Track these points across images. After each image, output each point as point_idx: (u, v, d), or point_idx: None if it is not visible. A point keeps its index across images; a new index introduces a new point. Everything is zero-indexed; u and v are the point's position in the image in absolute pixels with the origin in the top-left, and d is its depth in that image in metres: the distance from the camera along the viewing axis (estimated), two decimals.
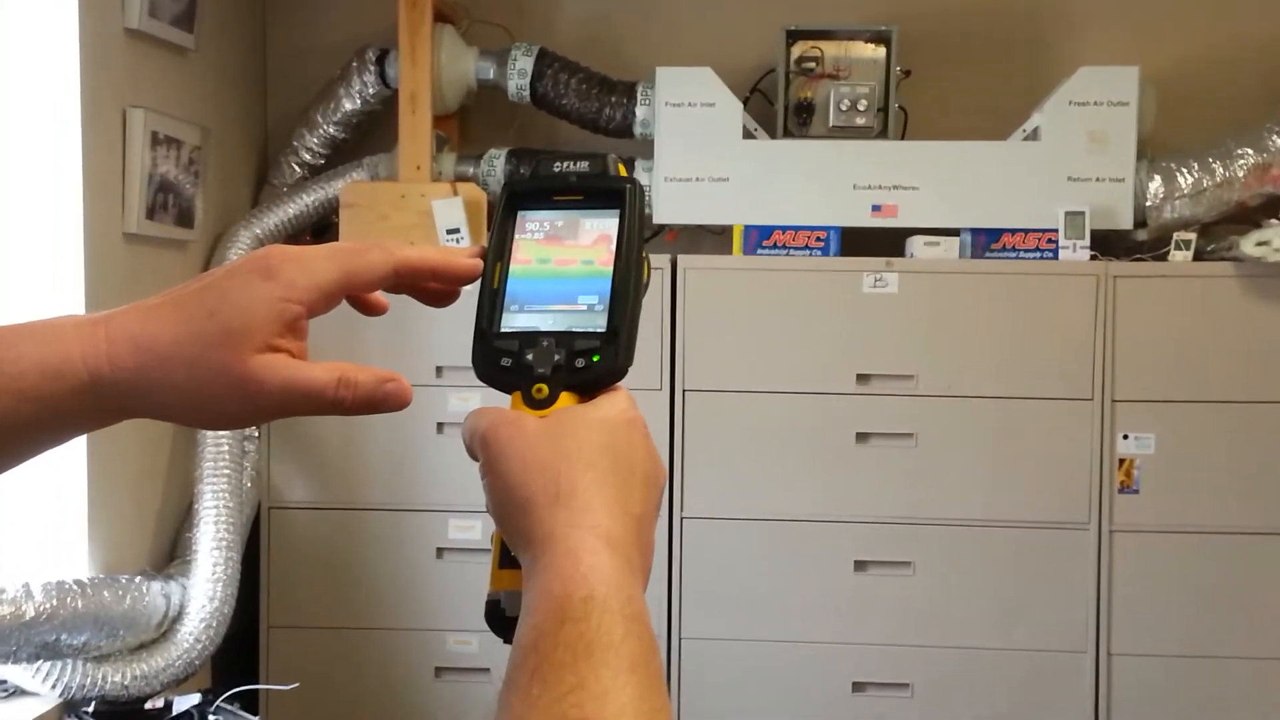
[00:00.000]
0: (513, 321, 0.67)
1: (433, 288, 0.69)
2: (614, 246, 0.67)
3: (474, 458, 0.64)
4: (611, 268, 0.67)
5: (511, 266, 0.69)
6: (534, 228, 0.70)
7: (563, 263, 0.68)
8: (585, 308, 0.66)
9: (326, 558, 2.92)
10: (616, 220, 0.68)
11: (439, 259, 0.67)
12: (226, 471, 2.76)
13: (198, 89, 2.91)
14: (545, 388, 0.64)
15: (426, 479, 2.88)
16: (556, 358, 0.65)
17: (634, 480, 0.62)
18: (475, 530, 2.85)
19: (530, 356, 0.65)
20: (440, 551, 2.89)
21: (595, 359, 0.65)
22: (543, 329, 0.66)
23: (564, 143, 3.24)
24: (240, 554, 2.78)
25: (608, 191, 0.69)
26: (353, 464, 2.91)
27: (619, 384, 0.66)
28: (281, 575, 2.93)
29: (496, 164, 3.04)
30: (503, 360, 0.66)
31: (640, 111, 2.99)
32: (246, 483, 2.87)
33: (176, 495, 2.85)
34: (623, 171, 0.70)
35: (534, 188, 0.70)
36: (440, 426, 2.85)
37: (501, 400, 0.66)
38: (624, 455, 0.62)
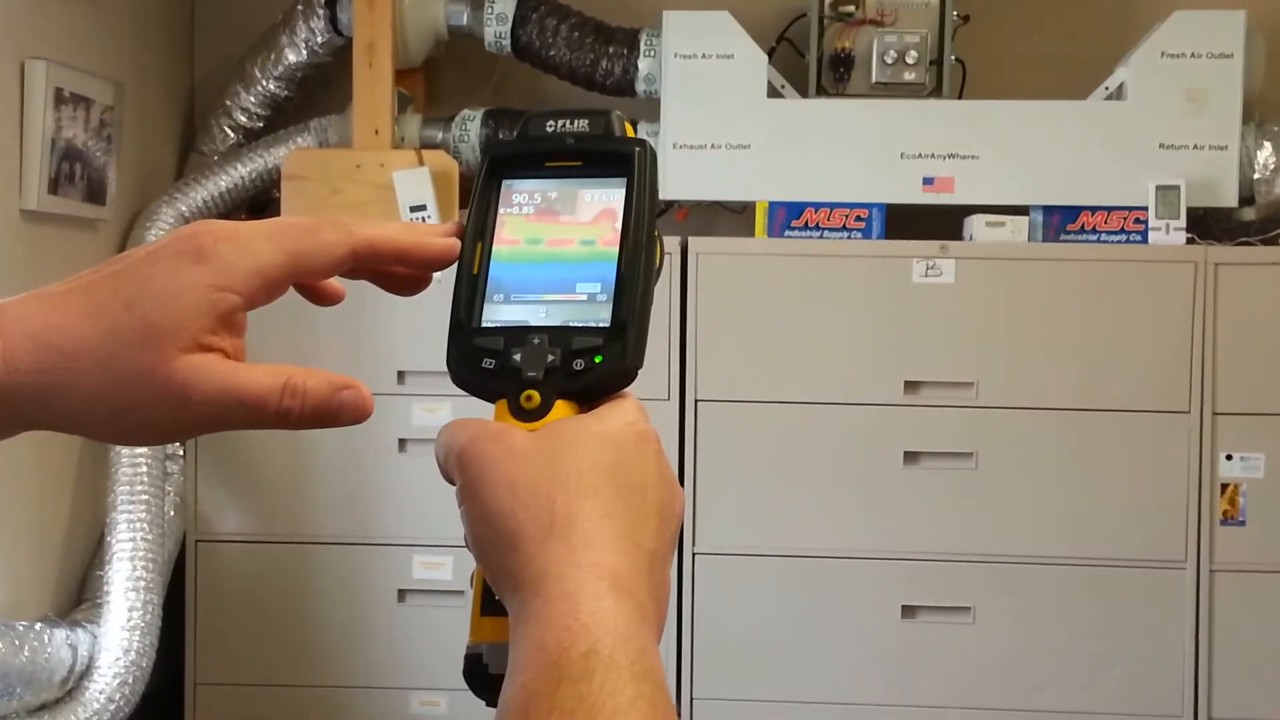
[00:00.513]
0: (497, 314, 0.67)
1: (398, 273, 0.68)
2: (620, 223, 0.67)
3: (450, 480, 0.63)
4: (617, 249, 0.66)
5: (495, 248, 0.68)
6: (522, 201, 0.69)
7: (557, 243, 0.68)
8: (585, 298, 0.66)
9: (266, 600, 2.92)
10: (623, 191, 0.67)
11: (407, 239, 0.67)
12: (145, 497, 2.76)
13: (111, 37, 2.91)
14: (536, 395, 0.64)
15: (387, 506, 2.88)
16: (550, 358, 0.64)
17: (645, 508, 0.61)
18: (445, 569, 2.85)
19: (518, 357, 0.65)
20: (403, 594, 2.88)
21: (597, 360, 0.64)
22: (533, 323, 0.66)
23: (552, 102, 3.23)
24: (162, 596, 2.78)
25: (612, 155, 0.68)
26: (298, 488, 2.91)
27: (626, 390, 0.66)
28: (211, 621, 2.93)
29: (470, 127, 3.04)
30: (485, 361, 0.65)
31: (644, 65, 2.99)
32: (169, 510, 2.87)
33: (85, 525, 2.84)
34: (630, 131, 0.69)
35: (522, 152, 0.70)
36: (403, 443, 2.85)
37: (483, 410, 0.66)
38: (633, 477, 0.62)
